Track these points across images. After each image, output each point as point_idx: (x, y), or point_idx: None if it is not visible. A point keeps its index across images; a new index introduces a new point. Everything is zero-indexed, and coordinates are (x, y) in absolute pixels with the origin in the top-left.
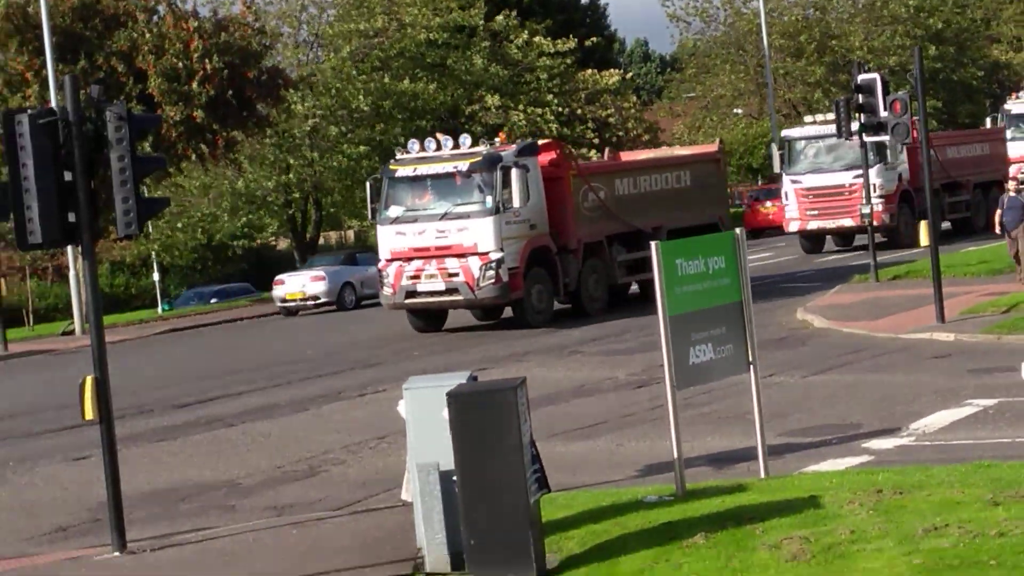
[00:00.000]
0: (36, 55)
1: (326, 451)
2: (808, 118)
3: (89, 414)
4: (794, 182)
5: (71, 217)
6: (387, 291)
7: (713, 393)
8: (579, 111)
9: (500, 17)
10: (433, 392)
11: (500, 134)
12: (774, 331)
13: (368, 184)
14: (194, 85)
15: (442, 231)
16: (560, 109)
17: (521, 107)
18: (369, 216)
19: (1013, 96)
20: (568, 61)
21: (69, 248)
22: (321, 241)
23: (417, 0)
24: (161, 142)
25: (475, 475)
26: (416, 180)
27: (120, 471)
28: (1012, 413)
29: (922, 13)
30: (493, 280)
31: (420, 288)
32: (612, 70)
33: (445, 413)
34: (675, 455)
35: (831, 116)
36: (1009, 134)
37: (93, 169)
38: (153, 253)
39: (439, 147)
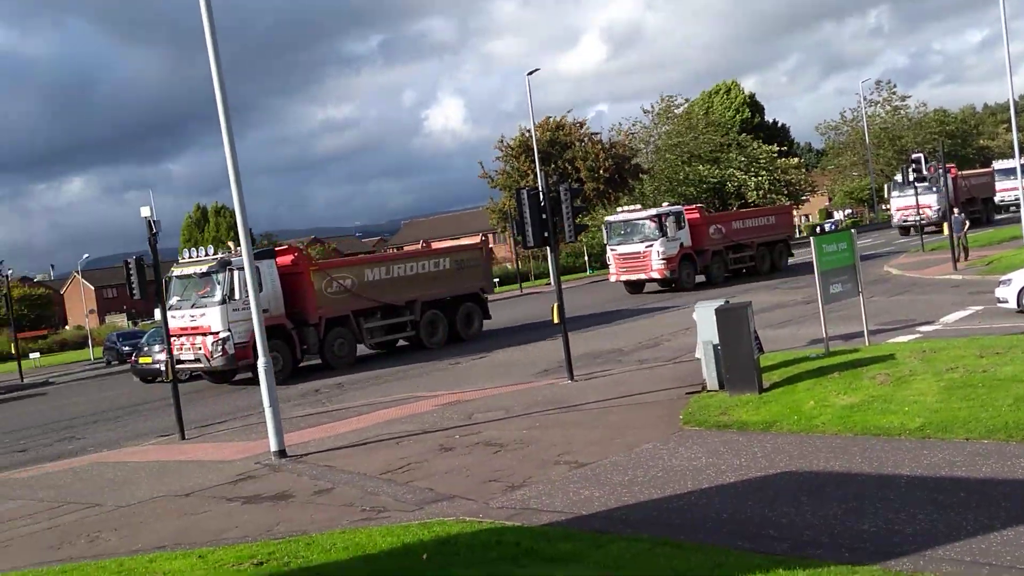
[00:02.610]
0: (531, 162)
1: (661, 334)
2: (620, 208)
3: (555, 320)
4: (611, 249)
5: (546, 234)
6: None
7: (843, 306)
8: (778, 178)
9: (742, 135)
10: (709, 308)
11: (231, 244)
12: (872, 276)
13: (163, 280)
14: (600, 172)
15: (193, 316)
16: (769, 178)
17: (752, 176)
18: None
19: (899, 170)
20: (774, 155)
21: (548, 248)
22: None
23: (708, 127)
24: (585, 199)
25: (728, 345)
26: (180, 278)
27: (570, 344)
28: (989, 313)
29: (942, 124)
30: (221, 353)
31: (182, 357)
32: (793, 159)
33: (715, 317)
34: (824, 335)
35: (633, 207)
36: (897, 192)
37: (554, 211)
38: (584, 247)
39: (197, 254)
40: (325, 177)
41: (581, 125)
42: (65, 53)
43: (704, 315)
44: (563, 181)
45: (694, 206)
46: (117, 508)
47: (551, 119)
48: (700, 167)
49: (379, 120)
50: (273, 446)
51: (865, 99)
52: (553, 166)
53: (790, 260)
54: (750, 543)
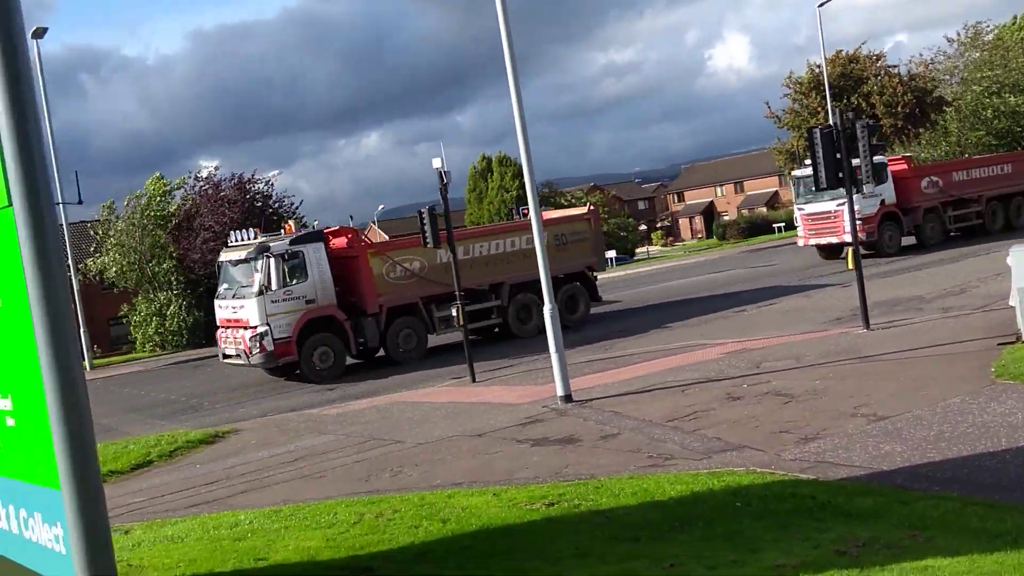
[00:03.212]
0: (822, 99)
1: (969, 280)
2: (807, 162)
3: (850, 265)
4: (799, 209)
5: (840, 175)
6: (219, 351)
7: None
8: None
9: None
10: None
11: (287, 225)
12: None
13: (216, 265)
14: (898, 107)
15: (234, 307)
16: None
17: None
18: None
19: None
20: None
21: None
22: None
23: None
24: (883, 136)
25: None
26: (226, 265)
27: (865, 290)
28: None
29: None
30: (259, 349)
31: (227, 351)
32: None
33: None
34: None
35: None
36: None
37: (849, 150)
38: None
39: (244, 238)
40: (605, 123)
41: (877, 58)
42: (362, 12)
43: (1020, 259)
44: (858, 118)
45: (900, 156)
46: (417, 445)
47: (843, 52)
48: (1011, 98)
49: (660, 62)
50: (559, 391)
51: None
52: (845, 102)
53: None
54: None
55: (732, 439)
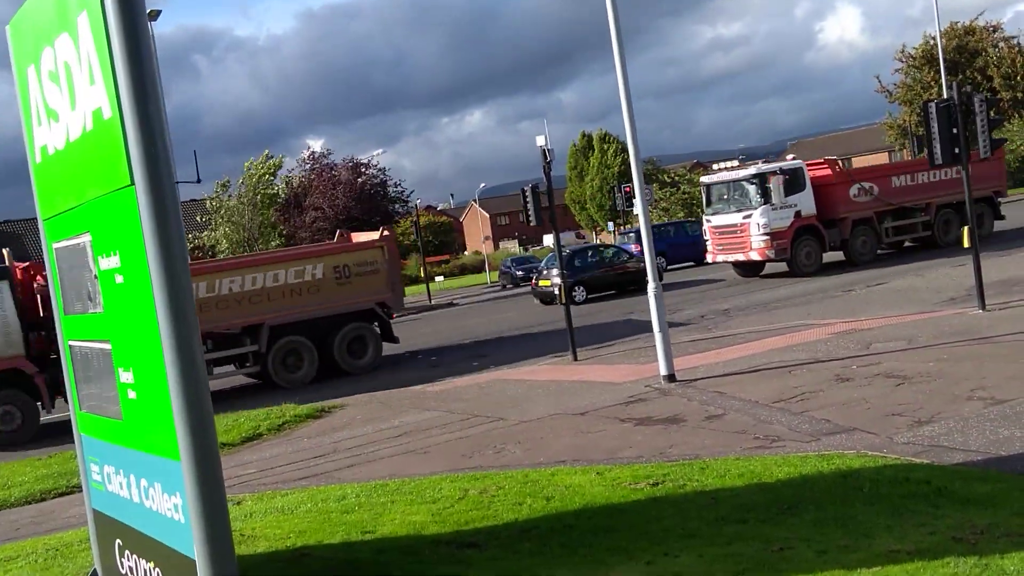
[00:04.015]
0: (936, 73)
1: None
2: (716, 166)
3: (965, 243)
4: (707, 221)
5: (956, 150)
6: None
7: None
8: None
9: None
10: None
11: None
12: None
13: None
14: (1017, 79)
15: None
16: None
17: None
18: None
19: None
20: None
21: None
22: None
23: None
24: (1000, 110)
25: None
26: None
27: (982, 270)
28: None
29: None
30: None
31: None
32: None
33: None
34: None
35: (732, 163)
36: None
37: (966, 125)
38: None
39: None
40: (710, 98)
41: (994, 28)
42: None
43: None
44: (975, 91)
45: (823, 159)
46: (519, 423)
47: (958, 24)
48: None
49: (769, 35)
50: (663, 370)
51: None
52: (961, 76)
53: (996, 224)
54: None
55: (842, 421)
